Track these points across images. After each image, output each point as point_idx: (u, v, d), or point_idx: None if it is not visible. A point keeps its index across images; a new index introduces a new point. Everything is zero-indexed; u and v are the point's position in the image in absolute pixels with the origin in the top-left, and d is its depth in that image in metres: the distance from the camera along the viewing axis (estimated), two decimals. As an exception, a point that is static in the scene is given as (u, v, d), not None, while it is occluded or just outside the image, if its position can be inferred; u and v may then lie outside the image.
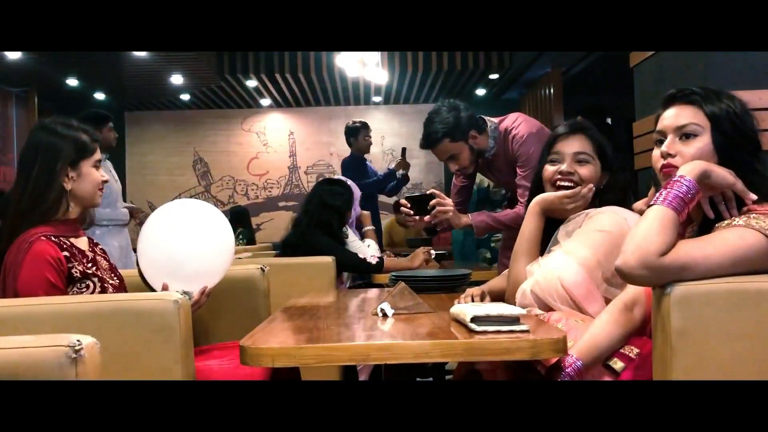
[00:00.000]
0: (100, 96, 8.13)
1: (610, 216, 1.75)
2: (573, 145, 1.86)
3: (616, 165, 1.90)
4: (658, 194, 1.41)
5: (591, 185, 1.83)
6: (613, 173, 1.89)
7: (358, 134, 5.37)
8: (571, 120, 2.02)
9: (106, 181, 1.92)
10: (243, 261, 3.14)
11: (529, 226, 1.88)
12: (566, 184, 1.85)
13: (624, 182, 1.91)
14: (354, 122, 5.50)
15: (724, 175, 1.41)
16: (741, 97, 1.56)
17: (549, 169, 1.89)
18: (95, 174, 1.87)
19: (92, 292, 1.75)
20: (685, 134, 1.48)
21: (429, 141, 2.74)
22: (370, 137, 5.47)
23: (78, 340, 0.93)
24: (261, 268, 2.14)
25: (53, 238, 1.75)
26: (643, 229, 1.35)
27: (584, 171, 1.85)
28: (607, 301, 1.67)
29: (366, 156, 5.50)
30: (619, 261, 1.36)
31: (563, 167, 1.85)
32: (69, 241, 1.81)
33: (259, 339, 1.43)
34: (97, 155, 1.89)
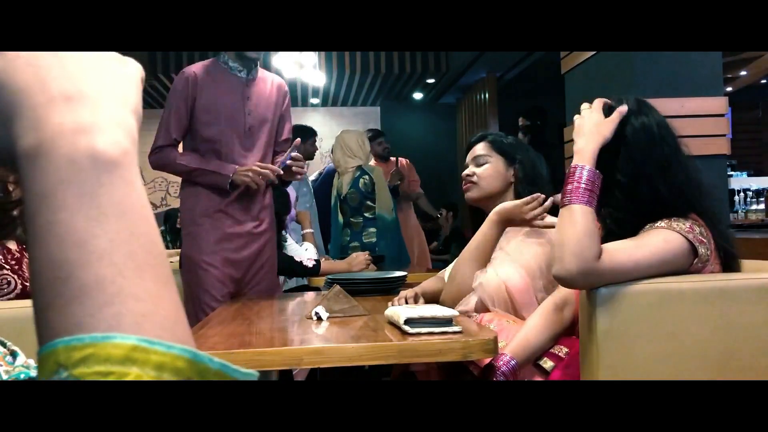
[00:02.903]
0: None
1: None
2: (474, 151, 2.08)
3: (522, 157, 2.04)
4: (564, 191, 1.46)
5: (547, 198, 1.83)
6: (522, 166, 2.02)
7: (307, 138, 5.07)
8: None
9: None
10: (171, 264, 3.07)
11: (485, 235, 1.88)
12: (468, 185, 2.05)
13: (538, 173, 2.05)
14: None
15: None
16: (664, 104, 1.63)
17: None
18: None
19: (13, 289, 1.71)
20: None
21: None
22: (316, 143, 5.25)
23: None
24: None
25: None
26: (571, 234, 1.39)
27: (481, 170, 2.03)
28: None
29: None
30: (557, 269, 1.39)
31: (466, 171, 2.07)
32: None
33: (189, 344, 1.40)
34: None
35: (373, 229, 4.16)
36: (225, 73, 2.54)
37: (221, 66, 2.54)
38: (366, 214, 4.15)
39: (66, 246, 0.34)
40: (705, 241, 1.42)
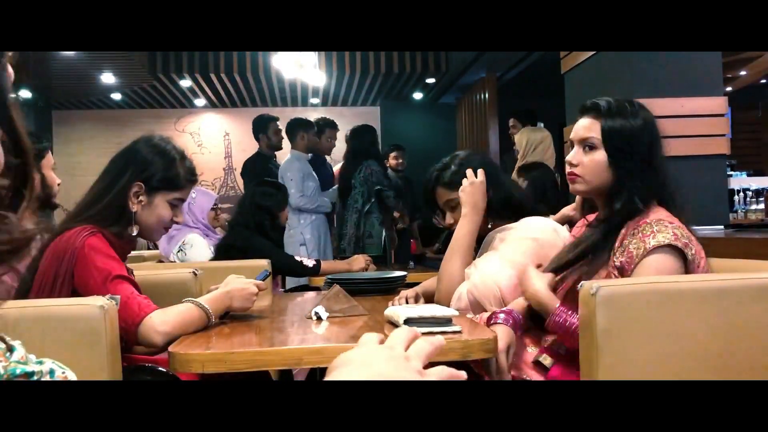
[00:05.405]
0: (25, 93, 7.83)
1: (540, 224, 1.82)
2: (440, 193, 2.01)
3: (504, 181, 1.99)
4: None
5: None
6: (502, 189, 1.95)
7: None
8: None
9: (176, 222, 1.81)
10: (175, 264, 3.07)
11: (469, 226, 1.90)
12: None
13: (519, 198, 1.99)
14: (322, 119, 5.25)
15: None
16: (664, 104, 1.64)
17: None
18: (165, 211, 1.76)
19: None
20: (587, 146, 1.61)
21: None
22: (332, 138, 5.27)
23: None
24: (193, 271, 2.10)
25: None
26: None
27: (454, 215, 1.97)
28: None
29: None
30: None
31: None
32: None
33: (190, 344, 1.40)
34: (180, 194, 1.78)
35: None
36: None
37: None
38: None
39: None
40: (688, 242, 1.46)
